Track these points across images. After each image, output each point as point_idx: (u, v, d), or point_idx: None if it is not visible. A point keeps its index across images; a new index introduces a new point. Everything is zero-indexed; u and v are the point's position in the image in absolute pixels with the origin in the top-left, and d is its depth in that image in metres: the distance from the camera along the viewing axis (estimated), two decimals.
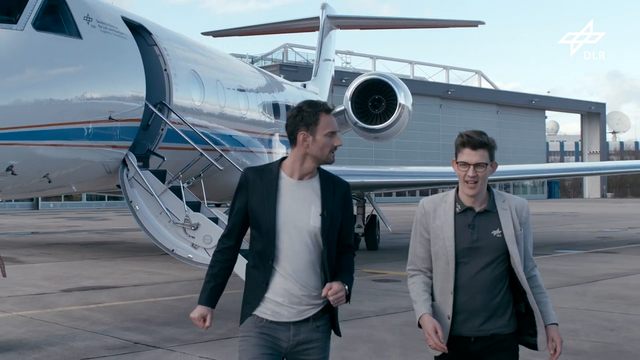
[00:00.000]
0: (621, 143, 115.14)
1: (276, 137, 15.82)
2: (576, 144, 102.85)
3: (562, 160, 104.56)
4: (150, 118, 9.70)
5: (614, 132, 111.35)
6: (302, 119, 3.59)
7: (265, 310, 3.57)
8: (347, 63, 66.82)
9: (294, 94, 18.90)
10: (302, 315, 3.57)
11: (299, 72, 51.78)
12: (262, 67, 52.73)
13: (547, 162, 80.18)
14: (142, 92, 9.30)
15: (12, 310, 9.75)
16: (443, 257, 3.63)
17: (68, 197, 50.30)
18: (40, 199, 47.17)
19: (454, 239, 3.61)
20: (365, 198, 19.01)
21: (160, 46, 10.32)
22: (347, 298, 3.62)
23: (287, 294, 3.54)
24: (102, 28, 8.59)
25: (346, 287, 3.61)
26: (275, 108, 16.07)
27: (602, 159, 77.52)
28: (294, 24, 28.48)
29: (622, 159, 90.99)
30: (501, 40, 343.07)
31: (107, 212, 44.78)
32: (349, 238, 3.81)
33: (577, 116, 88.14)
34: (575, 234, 24.48)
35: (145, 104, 9.37)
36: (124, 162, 9.15)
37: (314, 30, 26.63)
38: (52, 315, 9.41)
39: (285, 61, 61.44)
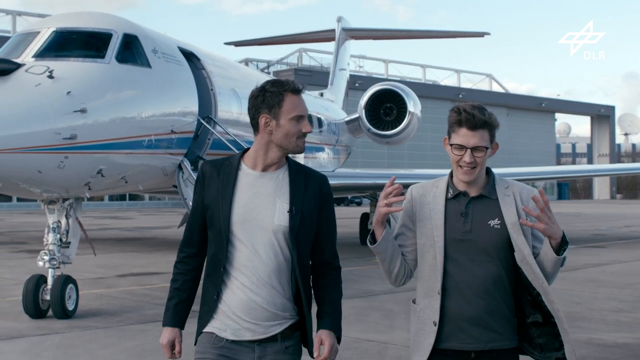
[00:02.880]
0: (633, 145, 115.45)
1: None
2: (588, 145, 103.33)
3: (573, 162, 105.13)
4: (199, 129, 11.67)
5: (626, 134, 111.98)
6: (264, 100, 3.05)
7: (225, 327, 3.04)
8: (360, 67, 68.16)
9: (312, 102, 20.50)
10: (268, 332, 3.03)
11: (314, 76, 53.25)
12: (277, 72, 54.40)
13: (559, 163, 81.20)
14: (195, 109, 11.27)
15: (82, 289, 11.55)
16: (430, 249, 3.06)
17: (90, 197, 51.89)
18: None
19: (444, 229, 3.04)
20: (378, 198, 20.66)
21: (207, 69, 12.32)
22: (338, 340, 3.14)
23: (248, 308, 3.01)
24: (165, 58, 10.55)
25: (335, 335, 3.12)
26: None
27: (611, 161, 78.31)
28: (310, 35, 30.18)
29: (634, 161, 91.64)
30: (514, 43, 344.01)
31: (129, 212, 46.44)
32: (329, 251, 3.19)
33: (589, 118, 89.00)
34: (571, 231, 25.75)
35: (198, 118, 11.33)
36: (180, 167, 11.10)
37: (329, 41, 28.40)
38: (118, 292, 11.33)
39: (300, 65, 62.85)
